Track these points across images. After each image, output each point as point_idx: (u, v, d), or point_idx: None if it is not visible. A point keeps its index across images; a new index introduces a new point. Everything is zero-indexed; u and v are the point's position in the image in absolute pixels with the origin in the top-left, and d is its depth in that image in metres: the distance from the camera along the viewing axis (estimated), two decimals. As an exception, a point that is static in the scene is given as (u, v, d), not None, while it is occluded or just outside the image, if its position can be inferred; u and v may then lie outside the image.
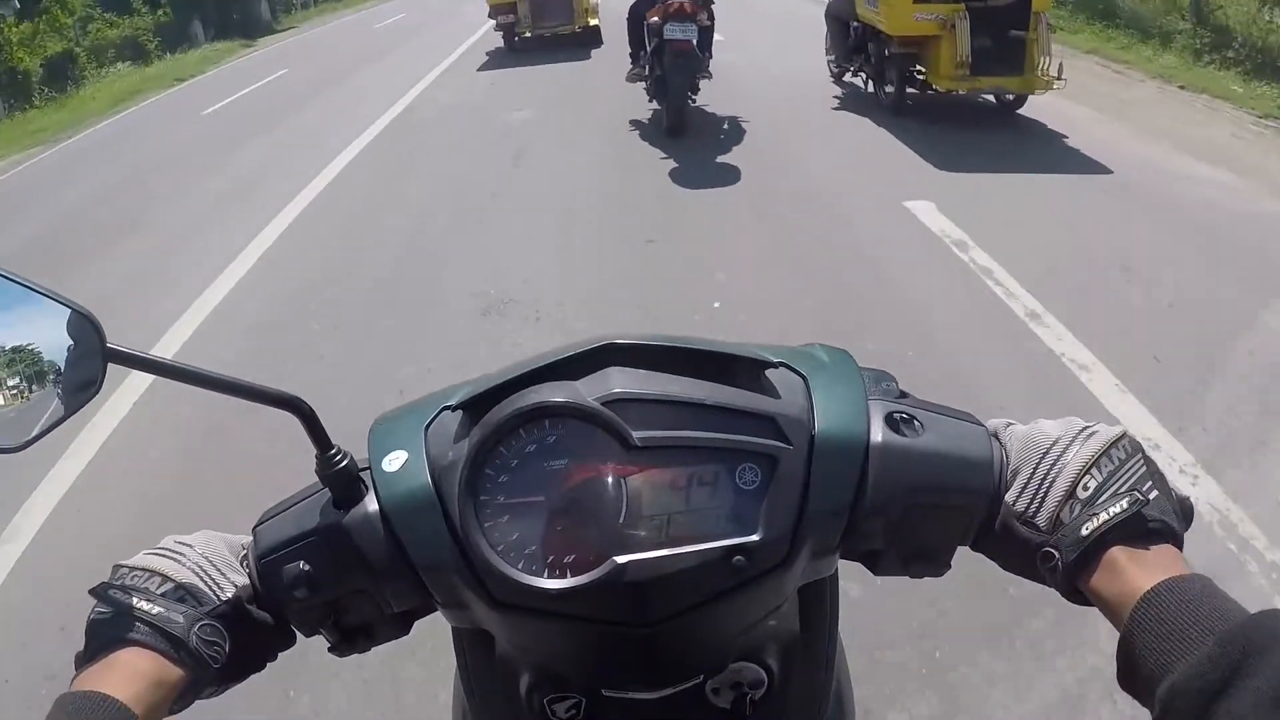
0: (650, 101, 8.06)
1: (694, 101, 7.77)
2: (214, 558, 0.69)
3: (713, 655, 0.70)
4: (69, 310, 0.64)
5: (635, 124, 8.20)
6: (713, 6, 7.33)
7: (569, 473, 0.65)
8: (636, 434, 0.64)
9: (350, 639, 0.71)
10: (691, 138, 7.51)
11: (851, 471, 0.66)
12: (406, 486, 0.67)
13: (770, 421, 0.65)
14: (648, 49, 7.41)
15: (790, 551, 0.64)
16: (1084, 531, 0.61)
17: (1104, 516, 0.61)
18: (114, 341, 0.63)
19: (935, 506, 0.67)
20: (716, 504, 0.64)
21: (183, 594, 0.66)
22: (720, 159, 6.96)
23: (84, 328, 0.64)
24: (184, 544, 0.70)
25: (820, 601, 0.77)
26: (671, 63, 7.00)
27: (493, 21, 13.23)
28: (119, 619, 0.63)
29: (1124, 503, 0.61)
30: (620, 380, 0.66)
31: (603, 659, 0.68)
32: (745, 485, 0.65)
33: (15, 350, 0.64)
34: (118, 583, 0.66)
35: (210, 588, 0.67)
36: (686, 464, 0.64)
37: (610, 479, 0.64)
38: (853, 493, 0.66)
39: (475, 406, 0.68)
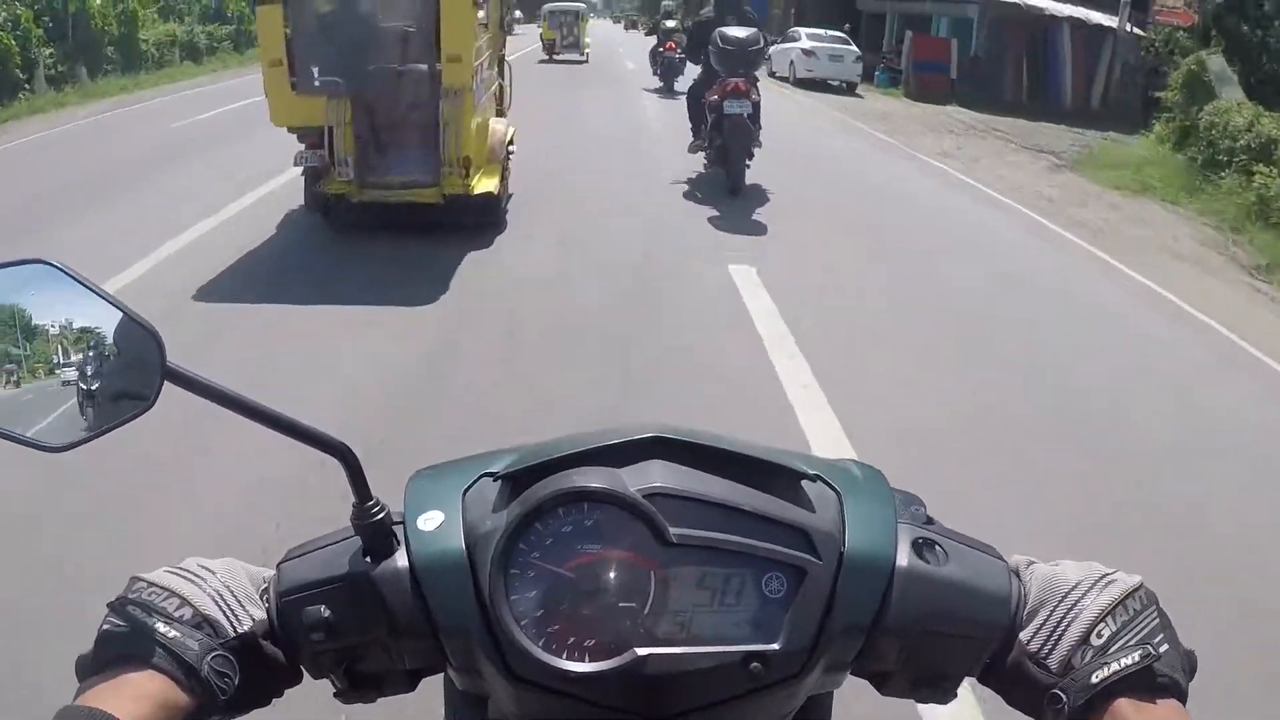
0: (709, 168, 9.39)
1: (749, 166, 8.88)
2: (235, 588, 0.69)
3: None
4: (132, 321, 0.66)
5: None
6: (758, 84, 8.91)
7: (601, 558, 0.66)
8: (673, 530, 0.65)
9: (357, 687, 0.71)
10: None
11: (875, 592, 0.67)
12: (440, 548, 0.68)
13: (803, 534, 0.67)
14: (708, 123, 8.99)
15: (806, 664, 0.66)
16: (1093, 679, 0.63)
17: (1115, 667, 0.63)
18: (172, 361, 0.65)
19: (950, 635, 0.68)
20: (741, 608, 0.66)
21: (200, 621, 0.66)
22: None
23: (145, 341, 0.66)
24: (207, 569, 0.69)
25: (819, 708, 0.77)
26: (730, 133, 8.57)
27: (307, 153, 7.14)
28: (134, 637, 0.63)
29: (1136, 655, 0.63)
30: (663, 475, 0.68)
31: None
32: (771, 593, 0.66)
33: (74, 351, 0.66)
34: (134, 598, 0.66)
35: (228, 618, 0.67)
36: (716, 565, 0.66)
37: (641, 570, 0.65)
38: (873, 613, 0.67)
39: (517, 479, 0.70)
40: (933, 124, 16.42)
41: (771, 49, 25.93)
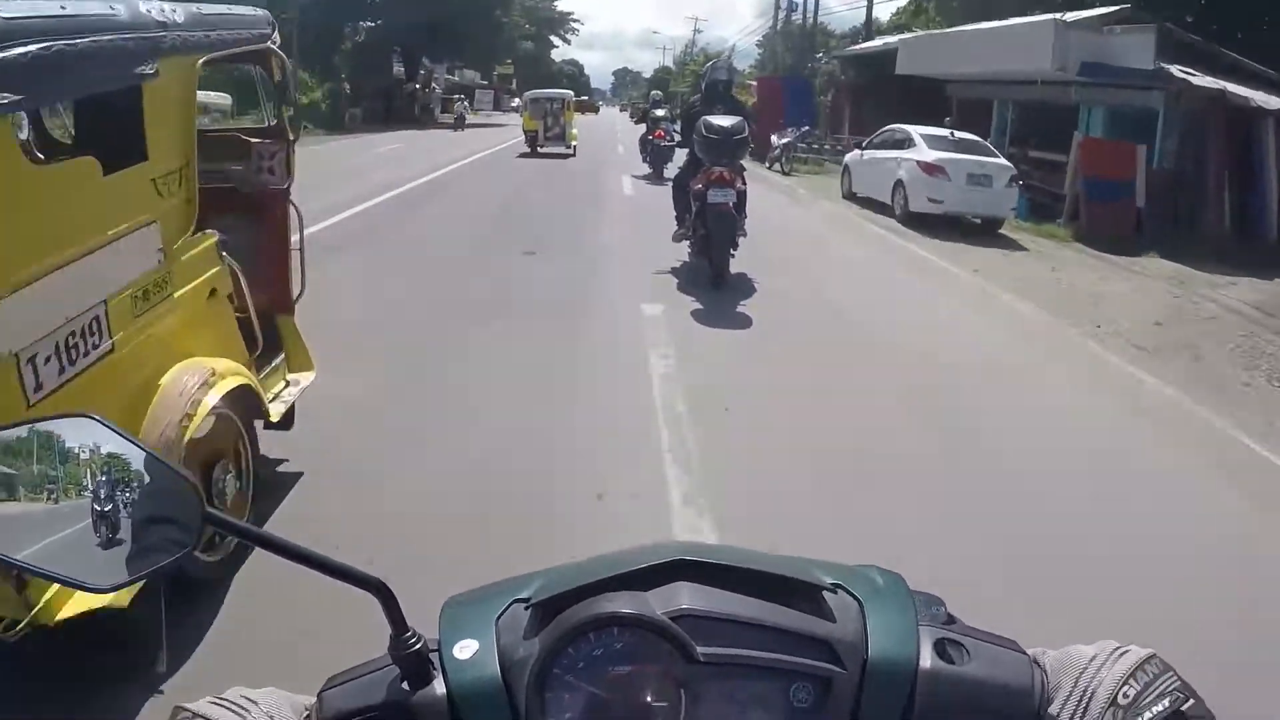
0: (694, 258, 8.90)
1: (734, 256, 8.66)
2: (278, 717, 0.71)
3: None
4: (171, 471, 0.73)
5: None
6: (744, 174, 8.79)
7: (632, 678, 0.69)
8: (701, 649, 0.68)
9: None
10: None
11: (900, 697, 0.70)
12: (476, 676, 0.71)
13: (826, 645, 0.70)
14: (692, 212, 8.77)
15: None
16: None
17: (1148, 715, 0.65)
18: (210, 508, 0.72)
19: None
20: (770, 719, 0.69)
21: None
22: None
23: (184, 490, 0.72)
24: (250, 700, 0.72)
25: None
26: (714, 223, 8.36)
27: None
28: None
29: (1165, 702, 0.66)
30: (690, 597, 0.71)
31: None
32: (799, 703, 0.69)
33: (118, 498, 0.72)
34: None
35: None
36: (744, 679, 0.70)
37: (671, 688, 0.69)
38: (900, 716, 0.69)
39: (547, 605, 0.72)
40: (1223, 336, 8.40)
41: (849, 158, 18.22)
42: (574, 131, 25.07)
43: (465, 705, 0.70)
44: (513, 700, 0.69)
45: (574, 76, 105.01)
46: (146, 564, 0.71)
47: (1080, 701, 0.69)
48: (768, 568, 0.74)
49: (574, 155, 23.87)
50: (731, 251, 8.69)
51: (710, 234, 8.47)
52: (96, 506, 0.72)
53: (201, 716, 0.69)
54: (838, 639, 0.71)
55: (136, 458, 0.72)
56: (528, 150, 24.58)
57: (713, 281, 8.55)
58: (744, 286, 8.76)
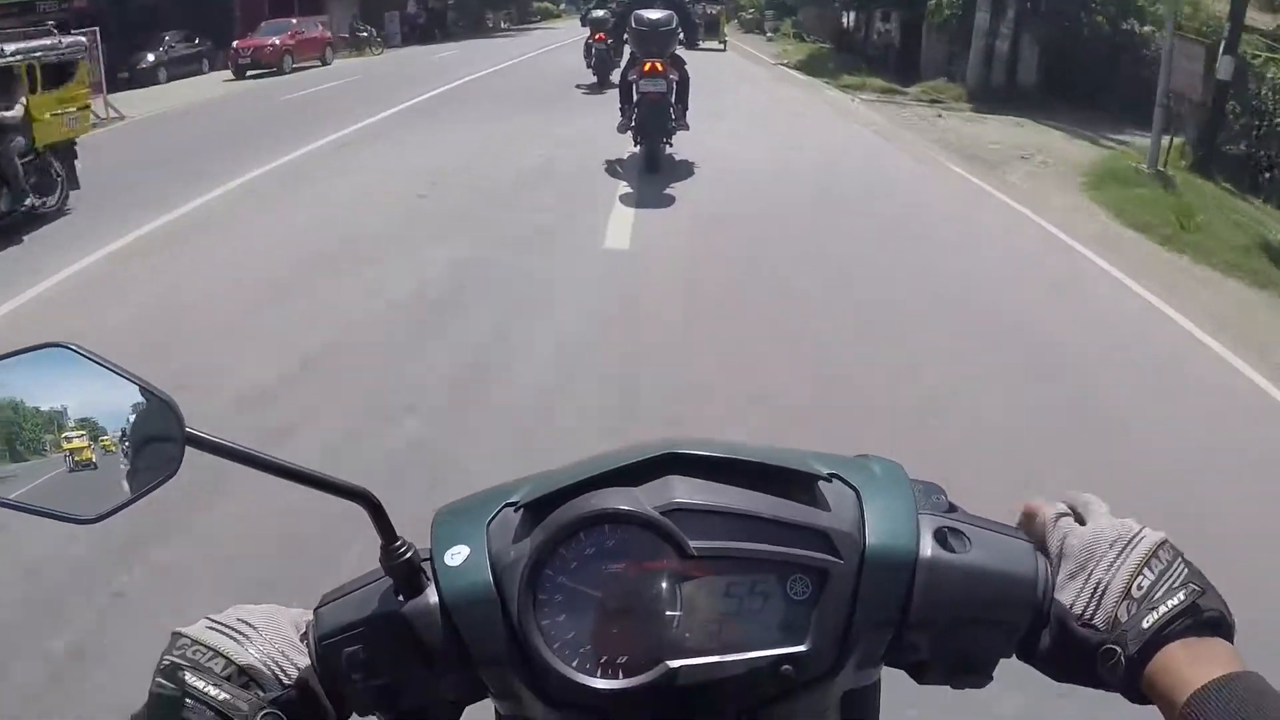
0: (635, 146, 9.80)
1: (670, 145, 9.70)
2: (278, 640, 0.72)
3: None
4: (150, 394, 0.71)
5: None
6: (685, 67, 9.68)
7: (626, 576, 0.69)
8: (694, 543, 0.68)
9: None
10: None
11: (900, 586, 0.70)
12: (468, 581, 0.71)
13: (823, 536, 0.70)
14: (633, 103, 9.62)
15: (836, 662, 0.69)
16: (1145, 624, 0.66)
17: (1163, 609, 0.66)
18: (192, 427, 0.69)
19: (980, 620, 0.71)
20: (767, 613, 0.69)
21: (246, 680, 0.69)
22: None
23: (163, 411, 0.70)
24: (248, 624, 0.73)
25: (863, 704, 0.79)
26: (645, 111, 9.25)
27: None
28: (184, 700, 0.66)
29: (1180, 595, 0.66)
30: (681, 490, 0.70)
31: None
32: (796, 596, 0.69)
33: (91, 426, 0.72)
34: (180, 658, 0.69)
35: (274, 672, 0.70)
36: (740, 573, 0.69)
37: (666, 584, 0.68)
38: (900, 606, 0.70)
39: (537, 507, 0.73)
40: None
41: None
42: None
43: (458, 611, 0.70)
44: (505, 604, 0.69)
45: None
46: (132, 489, 0.71)
47: (1094, 594, 0.69)
48: (760, 459, 0.73)
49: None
50: (667, 141, 9.52)
51: (642, 122, 9.27)
52: (75, 437, 0.71)
53: (202, 644, 0.69)
54: (834, 529, 0.70)
55: (113, 382, 0.70)
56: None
57: (645, 167, 9.42)
58: (681, 169, 9.77)
